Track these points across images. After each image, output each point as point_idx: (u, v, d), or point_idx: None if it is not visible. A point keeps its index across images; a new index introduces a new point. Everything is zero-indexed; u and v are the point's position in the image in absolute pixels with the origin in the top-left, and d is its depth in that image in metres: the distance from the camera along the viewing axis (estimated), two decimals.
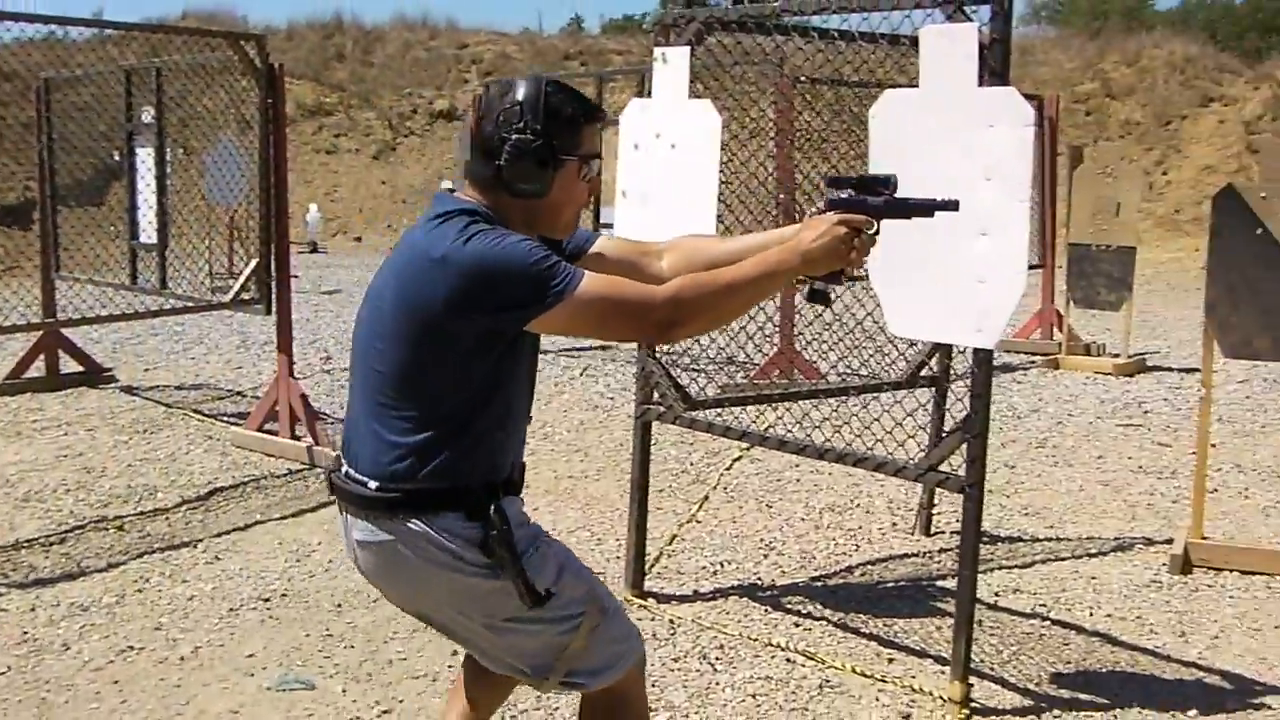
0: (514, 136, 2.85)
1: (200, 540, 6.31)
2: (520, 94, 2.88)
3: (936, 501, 6.52)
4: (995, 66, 4.21)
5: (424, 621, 3.10)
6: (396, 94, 29.96)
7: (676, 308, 2.84)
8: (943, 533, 6.43)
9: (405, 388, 2.83)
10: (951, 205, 3.13)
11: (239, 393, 10.24)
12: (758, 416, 6.89)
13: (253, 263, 8.25)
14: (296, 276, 10.62)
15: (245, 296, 8.28)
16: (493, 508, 2.86)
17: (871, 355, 6.20)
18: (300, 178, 25.28)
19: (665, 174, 5.16)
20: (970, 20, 4.30)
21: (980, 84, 4.21)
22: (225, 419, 9.12)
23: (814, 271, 3.01)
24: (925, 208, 3.14)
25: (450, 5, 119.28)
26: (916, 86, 4.41)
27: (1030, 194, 4.18)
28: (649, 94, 5.32)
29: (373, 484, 2.85)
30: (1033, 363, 11.74)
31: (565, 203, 3.00)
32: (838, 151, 9.43)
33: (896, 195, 3.12)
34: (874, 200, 3.08)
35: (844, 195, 3.11)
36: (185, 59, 9.24)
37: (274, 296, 8.21)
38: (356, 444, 2.92)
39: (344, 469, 2.95)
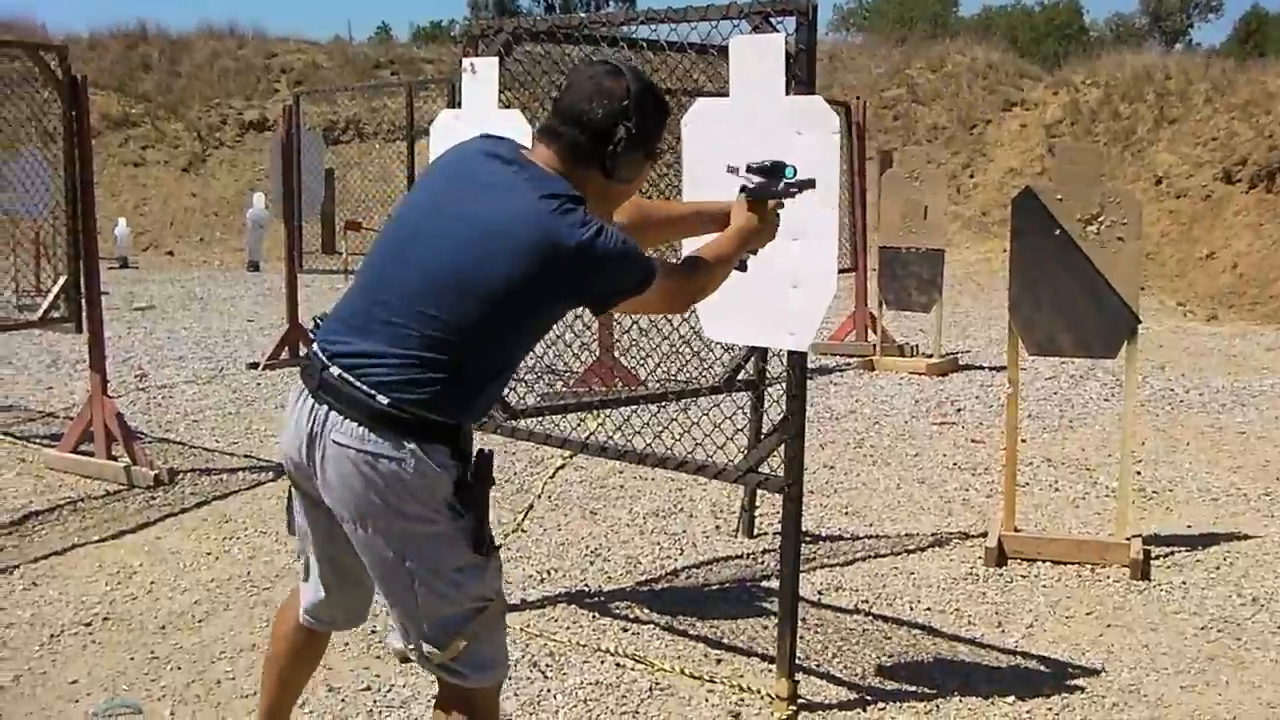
0: (630, 127, 3.18)
1: (16, 566, 6.12)
2: (634, 88, 3.21)
3: (759, 504, 6.63)
4: (802, 75, 4.33)
5: (345, 529, 3.15)
6: (205, 104, 29.39)
7: (699, 289, 3.55)
8: (766, 534, 6.55)
9: (461, 332, 3.01)
10: (810, 184, 3.78)
11: (51, 414, 9.96)
12: (579, 424, 6.93)
13: (61, 279, 8.03)
14: (107, 293, 10.41)
15: (55, 315, 8.07)
16: (478, 451, 3.12)
17: (689, 361, 6.29)
18: (108, 191, 24.67)
19: None
20: (777, 31, 4.41)
21: (788, 92, 4.32)
22: (38, 441, 8.85)
23: (751, 249, 3.74)
24: (809, 184, 3.79)
25: (257, 14, 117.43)
26: (727, 94, 4.51)
27: (840, 198, 4.30)
28: (458, 104, 5.34)
29: (384, 399, 2.98)
30: (849, 365, 11.98)
31: (633, 191, 3.45)
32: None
33: (790, 179, 3.75)
34: (779, 186, 3.74)
35: (761, 180, 3.73)
36: None
37: (84, 314, 8.02)
38: (367, 353, 3.04)
39: (334, 369, 3.06)
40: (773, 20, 4.46)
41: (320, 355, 3.11)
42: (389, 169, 17.57)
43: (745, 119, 4.40)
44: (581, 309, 3.33)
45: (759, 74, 4.38)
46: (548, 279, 3.03)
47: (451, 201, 3.13)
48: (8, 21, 30.12)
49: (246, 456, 8.34)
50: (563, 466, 7.65)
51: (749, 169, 3.76)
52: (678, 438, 5.25)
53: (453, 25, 56.61)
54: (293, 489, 3.36)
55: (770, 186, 3.73)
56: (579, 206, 3.05)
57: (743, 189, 3.74)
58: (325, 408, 3.06)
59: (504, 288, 3.00)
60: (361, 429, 2.99)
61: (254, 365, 11.64)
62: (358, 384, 3.00)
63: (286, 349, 12.26)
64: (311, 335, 3.29)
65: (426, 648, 3.12)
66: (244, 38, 32.68)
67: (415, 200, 3.29)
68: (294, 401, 3.19)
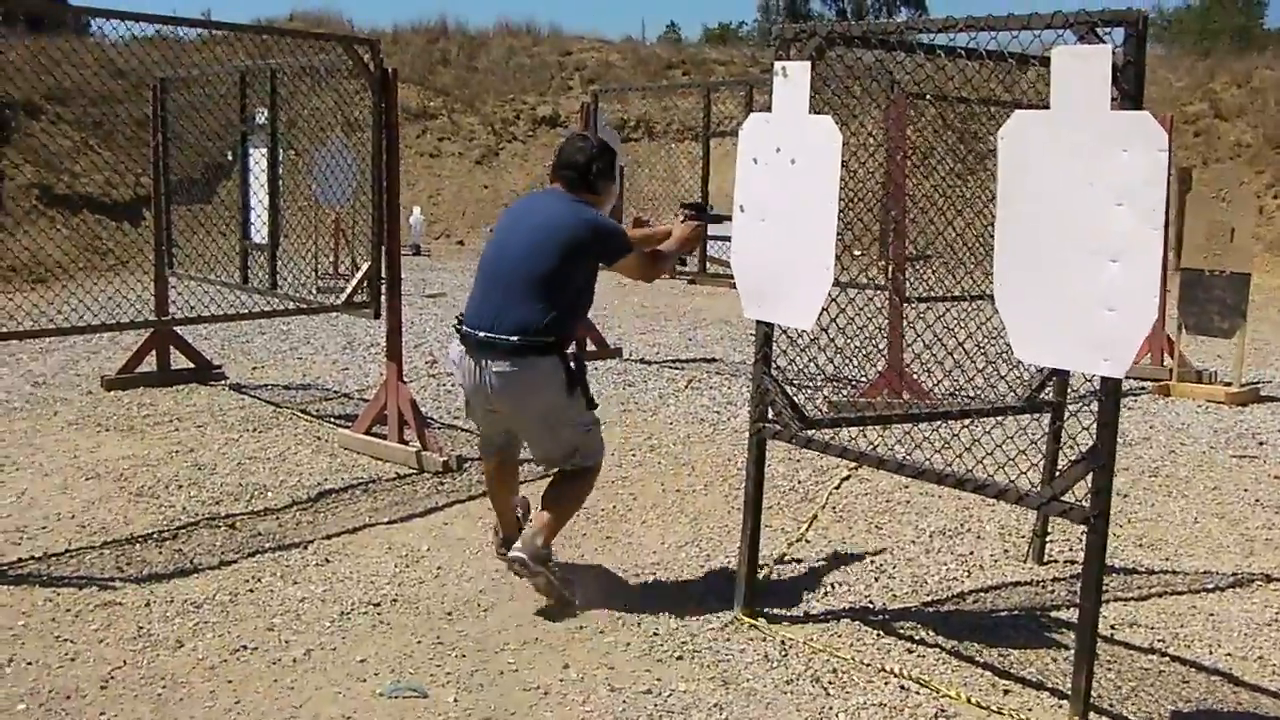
0: (599, 164, 5.68)
1: (311, 541, 6.36)
2: (597, 145, 5.75)
3: (1049, 528, 6.40)
4: (1129, 89, 4.13)
5: (509, 425, 5.63)
6: (500, 99, 30.08)
7: (659, 270, 6.04)
8: (1056, 561, 6.33)
9: (550, 284, 5.33)
10: (727, 217, 5.75)
11: (345, 394, 10.33)
12: (859, 434, 6.79)
13: (365, 267, 8.30)
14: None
15: (356, 300, 8.34)
16: (574, 356, 5.46)
17: (979, 373, 6.11)
18: (405, 181, 25.35)
19: (785, 190, 5.11)
20: (1103, 41, 4.22)
21: (1113, 107, 4.13)
22: (332, 420, 9.20)
23: (682, 253, 7.11)
24: (719, 219, 6.32)
25: (554, 11, 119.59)
26: (1023, 103, 4.34)
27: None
28: (760, 107, 5.29)
29: (515, 338, 5.28)
30: (1143, 389, 11.50)
31: (612, 198, 5.96)
32: (945, 166, 9.41)
33: (711, 213, 6.33)
34: (704, 214, 6.20)
35: (692, 213, 6.13)
36: (298, 61, 9.29)
37: (384, 302, 8.27)
38: (500, 316, 5.32)
39: (482, 333, 5.36)
40: (1099, 31, 4.26)
41: (473, 332, 5.40)
42: (676, 168, 17.59)
43: (1066, 133, 4.21)
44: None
45: (1083, 87, 4.18)
46: (582, 245, 5.44)
47: (522, 222, 5.60)
48: (318, 15, 31.44)
49: None
50: (848, 478, 7.56)
51: (684, 205, 6.38)
52: (966, 447, 5.08)
53: (741, 27, 56.80)
54: (468, 403, 5.75)
55: (699, 216, 6.15)
56: (590, 208, 5.61)
57: (684, 216, 6.12)
58: (483, 359, 5.37)
59: (561, 251, 5.37)
60: (507, 360, 5.31)
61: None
62: (498, 336, 5.31)
63: (573, 343, 12.41)
64: (458, 322, 5.55)
65: (561, 460, 5.60)
66: (540, 35, 33.37)
67: (501, 227, 5.73)
68: (457, 362, 5.55)
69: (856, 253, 10.79)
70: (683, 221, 6.05)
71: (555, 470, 5.70)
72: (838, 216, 5.02)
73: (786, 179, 5.11)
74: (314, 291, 10.40)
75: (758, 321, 5.33)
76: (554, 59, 31.67)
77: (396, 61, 27.05)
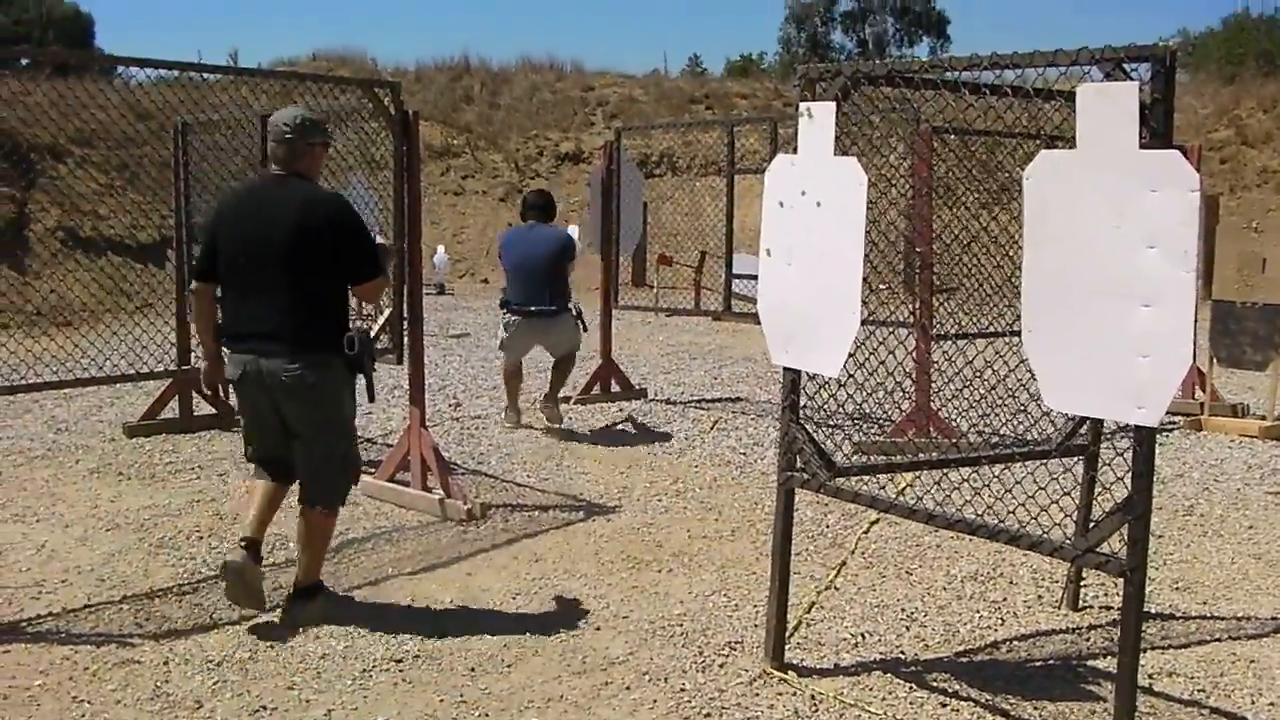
0: (554, 204, 11.31)
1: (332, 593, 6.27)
2: (548, 195, 11.23)
3: (1084, 575, 6.27)
4: (1157, 127, 4.03)
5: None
6: (523, 136, 30.17)
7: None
8: (1091, 607, 6.20)
9: (550, 274, 10.55)
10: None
11: (368, 439, 10.24)
12: (890, 479, 6.67)
13: (386, 311, 8.24)
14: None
15: (378, 345, 8.27)
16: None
17: (1014, 415, 6.00)
18: (428, 219, 25.43)
19: (810, 233, 5.02)
20: (1130, 78, 4.12)
21: (1141, 145, 4.03)
22: None
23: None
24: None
25: (576, 47, 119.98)
26: (1046, 135, 4.25)
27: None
28: (785, 142, 5.19)
29: (552, 306, 10.52)
30: (1174, 424, 11.33)
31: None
32: (970, 198, 9.30)
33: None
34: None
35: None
36: (322, 104, 9.25)
37: (405, 345, 8.20)
38: (536, 295, 10.48)
39: (532, 307, 10.47)
40: (1126, 67, 4.17)
41: (526, 308, 10.28)
42: (700, 203, 17.55)
43: (1093, 173, 4.11)
44: None
45: (1110, 126, 4.08)
46: (564, 251, 10.49)
47: (527, 239, 10.57)
48: (341, 55, 31.57)
49: (558, 494, 8.39)
50: (876, 521, 7.45)
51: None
52: (998, 496, 4.97)
53: (763, 58, 56.88)
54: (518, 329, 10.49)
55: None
56: (563, 230, 10.49)
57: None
58: (537, 317, 10.37)
59: (555, 258, 10.36)
60: (546, 318, 10.36)
61: (566, 399, 11.71)
62: (537, 308, 10.30)
63: (599, 384, 12.33)
64: (504, 304, 10.51)
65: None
66: (562, 71, 33.50)
67: (509, 251, 10.68)
68: (516, 320, 10.39)
69: (881, 287, 10.73)
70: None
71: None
72: (864, 253, 4.94)
73: (812, 222, 5.02)
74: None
75: (785, 368, 5.23)
76: (577, 94, 31.77)
77: (419, 100, 27.25)
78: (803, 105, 5.09)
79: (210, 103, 11.36)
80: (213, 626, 5.80)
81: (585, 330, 10.92)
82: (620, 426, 11.05)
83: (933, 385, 9.50)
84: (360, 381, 5.89)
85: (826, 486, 5.18)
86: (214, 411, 10.50)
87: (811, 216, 5.01)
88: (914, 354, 9.30)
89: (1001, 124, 6.02)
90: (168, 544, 7.08)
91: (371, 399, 6.05)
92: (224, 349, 5.95)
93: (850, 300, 4.86)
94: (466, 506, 7.71)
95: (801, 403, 5.26)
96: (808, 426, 5.25)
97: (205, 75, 8.84)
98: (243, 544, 5.85)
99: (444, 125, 30.01)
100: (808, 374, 5.20)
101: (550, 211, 10.90)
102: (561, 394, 11.06)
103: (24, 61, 20.82)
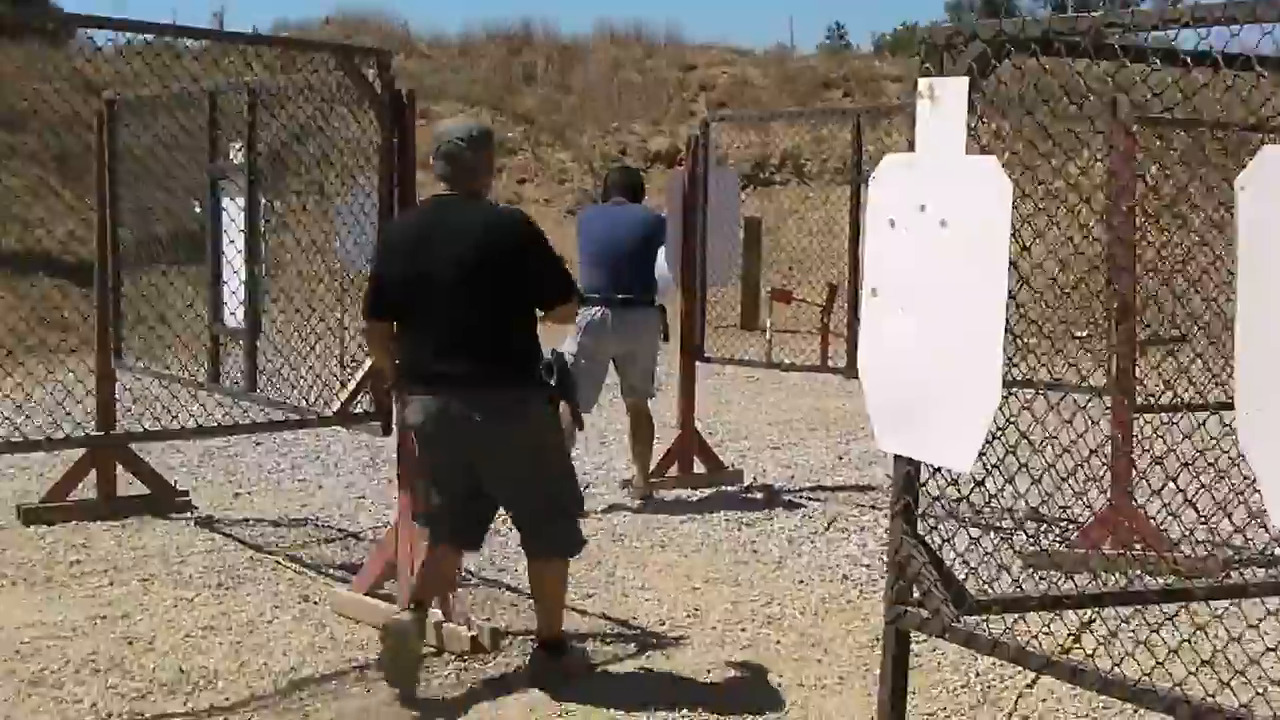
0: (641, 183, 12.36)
1: None
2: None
3: None
4: None
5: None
6: (600, 129, 30.17)
7: None
8: None
9: (634, 261, 11.52)
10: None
11: (354, 534, 10.05)
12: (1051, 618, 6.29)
13: (365, 365, 7.95)
14: None
15: (357, 409, 8.03)
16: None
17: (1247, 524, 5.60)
18: None
19: (933, 265, 4.69)
20: None
21: None
22: (330, 572, 8.91)
23: None
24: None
25: (673, 14, 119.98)
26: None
27: None
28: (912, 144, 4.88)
29: (641, 294, 11.49)
30: None
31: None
32: (1201, 216, 8.97)
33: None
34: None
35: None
36: (301, 78, 8.96)
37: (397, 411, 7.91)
38: (623, 286, 11.10)
39: (619, 296, 11.03)
40: None
41: (611, 295, 10.78)
42: (834, 219, 17.22)
43: None
44: None
45: None
46: (656, 234, 11.37)
47: (611, 216, 11.41)
48: (361, 17, 31.68)
49: (604, 617, 8.10)
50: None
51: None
52: (1216, 650, 4.57)
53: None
54: (596, 333, 10.90)
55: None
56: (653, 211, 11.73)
57: None
58: (621, 308, 10.87)
59: (646, 240, 11.24)
60: (632, 311, 10.96)
61: (627, 483, 11.45)
62: (623, 296, 10.86)
63: (675, 463, 11.97)
64: (586, 295, 9.51)
65: None
66: (653, 44, 33.48)
67: (590, 231, 11.43)
68: (595, 314, 10.73)
69: (1078, 334, 10.36)
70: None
71: None
72: (1013, 297, 4.62)
73: (935, 249, 4.70)
74: (317, 394, 10.08)
75: (896, 456, 4.90)
76: (673, 75, 31.81)
77: (463, 79, 27.34)
78: (923, 82, 4.76)
79: (181, 74, 11.20)
80: None
81: (667, 340, 11.60)
82: (700, 522, 10.75)
83: (1139, 476, 9.10)
84: (564, 411, 7.10)
85: (953, 630, 4.80)
86: (146, 491, 10.31)
87: (934, 240, 4.70)
88: (1111, 427, 8.94)
89: (1246, 109, 5.73)
90: (47, 679, 6.85)
91: (581, 428, 7.66)
92: (405, 394, 6.93)
93: (988, 361, 4.52)
94: (471, 633, 7.43)
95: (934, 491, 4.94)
96: (941, 529, 4.93)
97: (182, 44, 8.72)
98: (411, 605, 6.84)
99: (496, 112, 30.04)
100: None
101: (639, 192, 11.63)
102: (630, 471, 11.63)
103: None
